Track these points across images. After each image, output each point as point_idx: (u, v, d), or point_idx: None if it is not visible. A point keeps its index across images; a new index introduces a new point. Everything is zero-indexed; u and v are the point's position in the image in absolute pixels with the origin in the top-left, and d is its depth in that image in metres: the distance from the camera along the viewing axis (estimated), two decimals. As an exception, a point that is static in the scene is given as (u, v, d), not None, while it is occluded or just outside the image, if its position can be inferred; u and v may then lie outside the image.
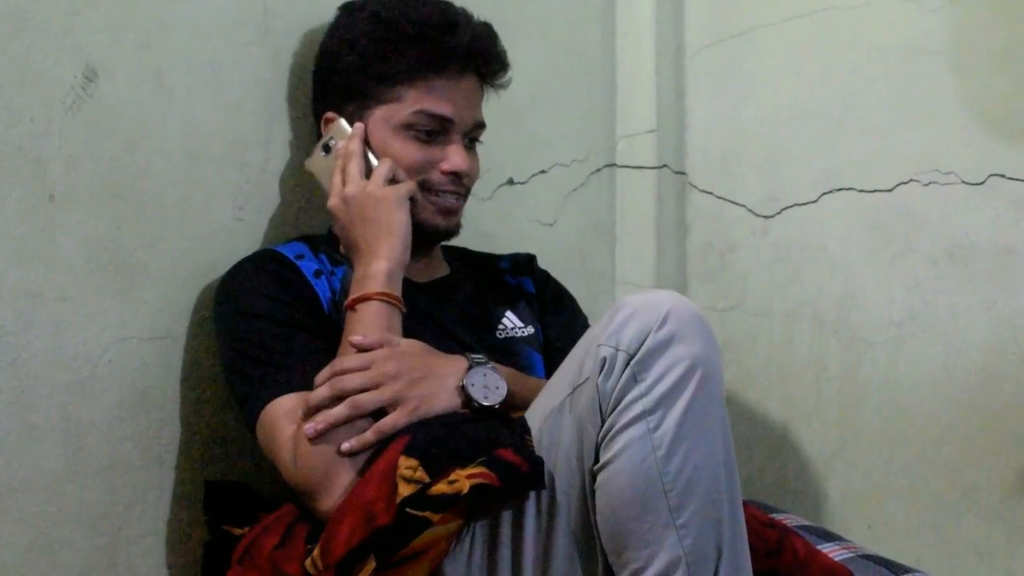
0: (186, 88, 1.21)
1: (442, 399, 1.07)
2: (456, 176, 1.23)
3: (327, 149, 1.22)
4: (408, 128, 1.21)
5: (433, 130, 1.22)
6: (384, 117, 1.22)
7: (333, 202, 1.18)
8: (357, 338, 1.08)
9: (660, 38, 1.74)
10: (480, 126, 1.27)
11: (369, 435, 1.04)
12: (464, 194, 1.26)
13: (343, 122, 1.22)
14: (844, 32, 1.57)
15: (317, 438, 1.04)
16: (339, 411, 1.04)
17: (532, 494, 0.99)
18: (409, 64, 1.20)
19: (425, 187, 1.22)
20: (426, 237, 1.24)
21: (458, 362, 1.11)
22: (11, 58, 1.05)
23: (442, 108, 1.21)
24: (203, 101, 1.22)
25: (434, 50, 1.20)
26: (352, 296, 1.12)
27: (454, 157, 1.22)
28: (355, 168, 1.18)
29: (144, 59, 1.16)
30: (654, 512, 0.91)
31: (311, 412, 1.05)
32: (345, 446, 1.03)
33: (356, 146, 1.19)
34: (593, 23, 1.76)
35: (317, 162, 1.24)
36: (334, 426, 1.04)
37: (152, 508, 1.18)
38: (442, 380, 1.08)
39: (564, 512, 0.98)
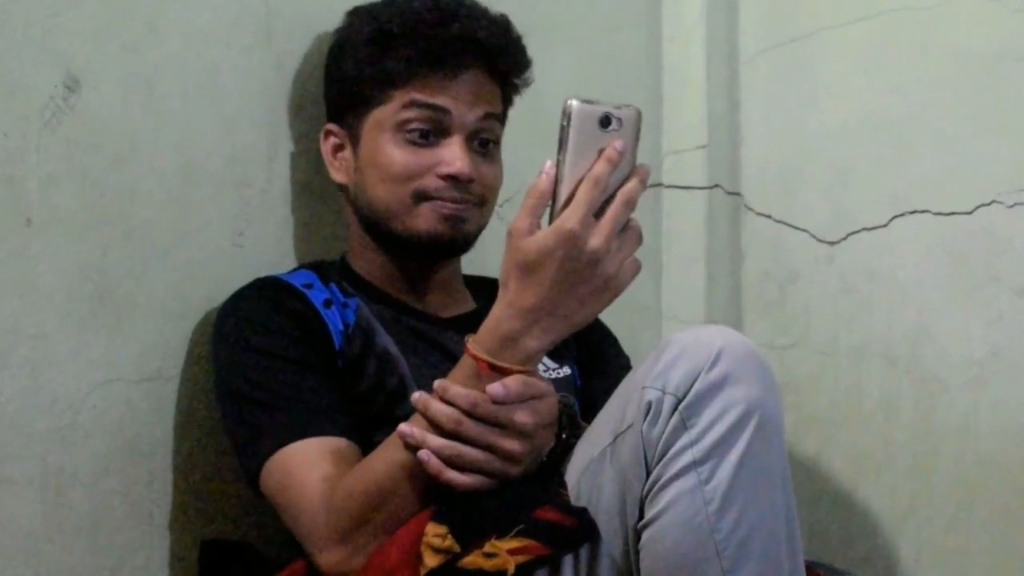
0: (179, 98, 1.18)
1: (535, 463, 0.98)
2: (456, 181, 1.13)
3: (605, 125, 0.91)
4: (400, 128, 1.14)
5: (428, 129, 1.14)
6: (377, 121, 1.15)
7: (554, 229, 0.92)
8: (498, 389, 0.93)
9: (711, 42, 1.70)
10: (491, 118, 1.17)
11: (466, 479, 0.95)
12: (475, 202, 1.16)
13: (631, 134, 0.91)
14: (918, 35, 1.52)
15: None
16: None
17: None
18: (401, 63, 1.13)
19: (421, 195, 1.13)
20: (426, 251, 1.16)
21: (554, 407, 1.00)
22: (-17, 66, 1.02)
23: (436, 98, 1.13)
24: (198, 112, 1.20)
25: (427, 44, 1.13)
26: (487, 354, 0.95)
27: (451, 158, 1.12)
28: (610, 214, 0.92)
29: (132, 66, 1.14)
30: (705, 575, 0.88)
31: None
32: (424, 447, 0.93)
33: (636, 191, 0.92)
34: (635, 25, 1.73)
35: (579, 145, 0.91)
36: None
37: (141, 571, 1.15)
38: (546, 442, 0.98)
39: (605, 575, 0.94)
